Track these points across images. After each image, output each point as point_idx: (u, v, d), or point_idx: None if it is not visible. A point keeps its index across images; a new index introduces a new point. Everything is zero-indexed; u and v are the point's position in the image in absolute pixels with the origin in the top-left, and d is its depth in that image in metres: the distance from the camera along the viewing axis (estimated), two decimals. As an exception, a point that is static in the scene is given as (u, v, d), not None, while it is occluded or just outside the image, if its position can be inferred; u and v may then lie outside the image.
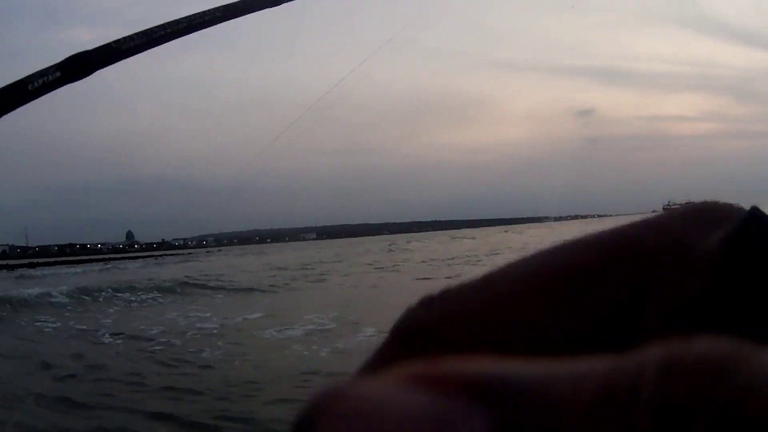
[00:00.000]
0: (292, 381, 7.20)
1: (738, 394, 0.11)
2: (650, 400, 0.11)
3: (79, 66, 0.72)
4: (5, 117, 0.68)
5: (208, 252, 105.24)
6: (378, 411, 0.11)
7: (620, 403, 0.11)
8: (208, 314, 14.12)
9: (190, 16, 0.79)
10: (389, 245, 56.27)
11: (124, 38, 0.74)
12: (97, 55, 0.73)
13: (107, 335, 11.67)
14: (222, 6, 0.83)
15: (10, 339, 11.87)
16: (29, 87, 0.68)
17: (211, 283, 22.47)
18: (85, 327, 13.05)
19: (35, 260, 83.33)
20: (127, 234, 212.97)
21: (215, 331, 11.56)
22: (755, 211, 0.19)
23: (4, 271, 49.45)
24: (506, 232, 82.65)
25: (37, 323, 14.05)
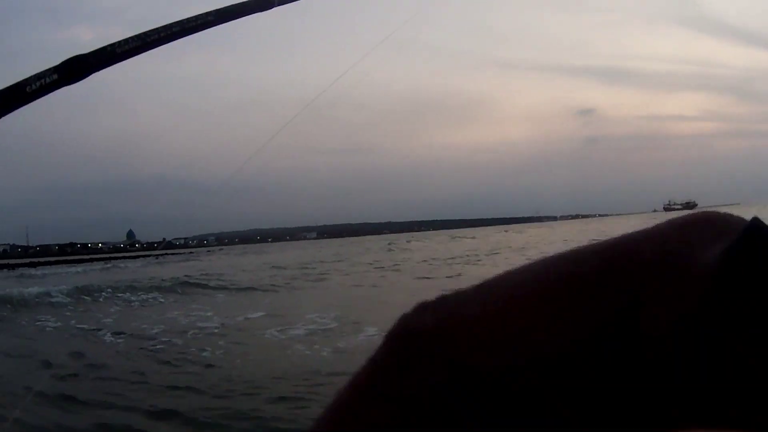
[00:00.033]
0: (294, 380, 7.22)
1: None
2: None
3: (76, 69, 0.74)
4: (4, 119, 0.70)
5: (209, 251, 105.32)
6: None
7: None
8: (209, 313, 14.14)
9: (183, 20, 0.82)
10: (389, 244, 56.30)
11: (119, 42, 0.77)
12: (93, 58, 0.75)
13: (108, 334, 11.69)
14: (214, 10, 0.86)
15: (11, 338, 11.89)
16: (27, 89, 0.70)
17: (212, 283, 22.48)
18: (86, 326, 13.07)
19: (36, 260, 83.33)
20: (127, 233, 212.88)
21: (216, 331, 11.57)
22: (756, 222, 0.19)
23: (5, 270, 49.46)
24: (506, 231, 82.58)
25: (38, 322, 14.07)
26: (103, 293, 19.81)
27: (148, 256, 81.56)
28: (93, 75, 0.80)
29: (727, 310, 0.17)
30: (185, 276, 24.79)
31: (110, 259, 73.19)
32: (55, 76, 0.73)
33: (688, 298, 0.18)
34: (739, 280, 0.17)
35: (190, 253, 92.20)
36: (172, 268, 35.58)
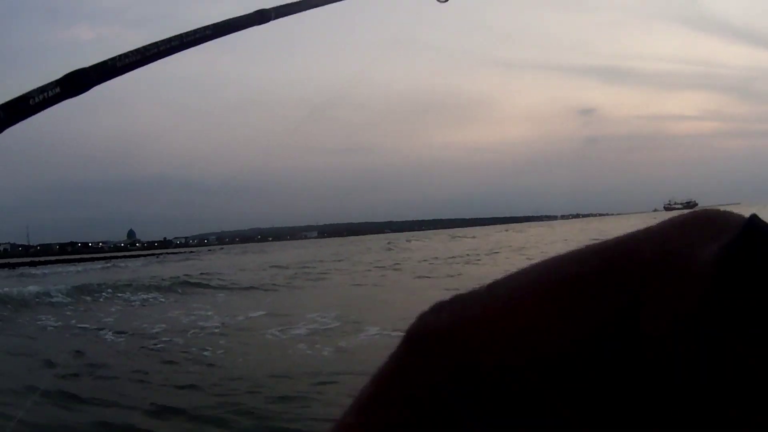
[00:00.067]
0: (296, 379, 7.25)
1: None
2: None
3: (78, 82, 0.77)
4: (6, 131, 0.73)
5: (209, 250, 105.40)
6: None
7: None
8: (209, 313, 14.16)
9: (182, 34, 0.84)
10: (388, 243, 56.45)
11: (120, 56, 0.79)
12: (94, 71, 0.77)
13: (109, 334, 11.71)
14: (212, 24, 0.88)
15: (12, 337, 11.92)
16: (30, 102, 0.73)
17: (213, 282, 22.51)
18: (87, 325, 13.10)
19: (36, 259, 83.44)
20: (128, 233, 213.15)
21: (217, 330, 11.59)
22: (754, 219, 0.19)
23: (6, 269, 49.54)
24: (507, 231, 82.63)
25: (38, 322, 14.10)
26: (104, 293, 19.84)
27: (149, 255, 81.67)
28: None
29: (726, 310, 0.17)
30: (186, 275, 24.82)
31: (111, 258, 73.27)
32: (57, 89, 0.76)
33: (687, 298, 0.18)
34: (738, 279, 0.18)
35: (191, 252, 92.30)
36: (173, 268, 35.62)
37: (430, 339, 0.21)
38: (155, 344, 10.28)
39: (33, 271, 44.65)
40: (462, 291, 0.22)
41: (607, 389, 0.18)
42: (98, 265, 52.83)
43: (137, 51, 0.80)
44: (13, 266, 55.82)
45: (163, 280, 22.42)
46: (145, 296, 19.00)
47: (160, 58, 0.80)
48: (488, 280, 0.24)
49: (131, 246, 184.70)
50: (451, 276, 20.24)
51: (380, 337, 9.68)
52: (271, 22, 0.95)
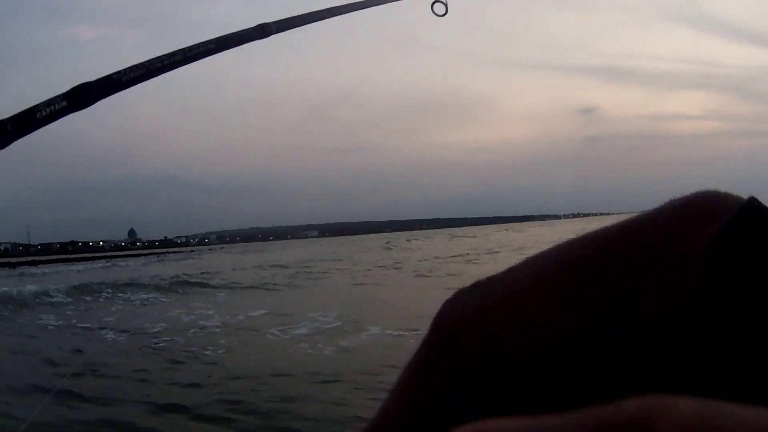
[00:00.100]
0: (297, 378, 7.27)
1: None
2: None
3: (83, 96, 0.78)
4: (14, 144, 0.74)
5: (210, 249, 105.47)
6: None
7: None
8: (210, 312, 14.19)
9: (185, 49, 0.85)
10: (386, 243, 56.69)
11: (124, 70, 0.81)
12: (99, 86, 0.79)
13: (110, 333, 11.74)
14: (215, 39, 0.90)
15: (13, 336, 11.95)
16: (38, 115, 0.74)
17: (213, 281, 22.53)
18: (88, 325, 13.12)
19: (37, 258, 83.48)
20: (129, 232, 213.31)
21: (218, 330, 11.61)
22: (752, 201, 0.20)
23: (6, 269, 49.55)
24: (507, 230, 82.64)
25: (39, 321, 14.12)
26: (104, 292, 19.87)
27: (150, 254, 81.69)
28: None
29: (724, 292, 0.17)
30: (187, 275, 24.84)
31: (111, 257, 73.33)
32: (64, 103, 0.77)
33: (685, 281, 0.18)
34: (735, 260, 0.18)
35: (191, 251, 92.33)
36: (174, 267, 35.64)
37: (456, 326, 0.21)
38: (156, 343, 10.30)
39: (33, 270, 44.65)
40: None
41: (610, 375, 0.18)
42: (98, 264, 52.84)
43: (141, 65, 0.81)
44: (13, 265, 55.82)
45: (162, 279, 22.44)
46: (145, 295, 19.02)
47: (164, 72, 0.82)
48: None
49: (132, 245, 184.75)
50: (452, 275, 20.27)
51: (382, 336, 9.70)
52: (272, 36, 0.97)
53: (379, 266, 27.63)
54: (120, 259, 65.38)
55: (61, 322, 13.87)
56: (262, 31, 0.97)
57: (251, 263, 34.73)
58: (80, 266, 48.34)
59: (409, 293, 16.08)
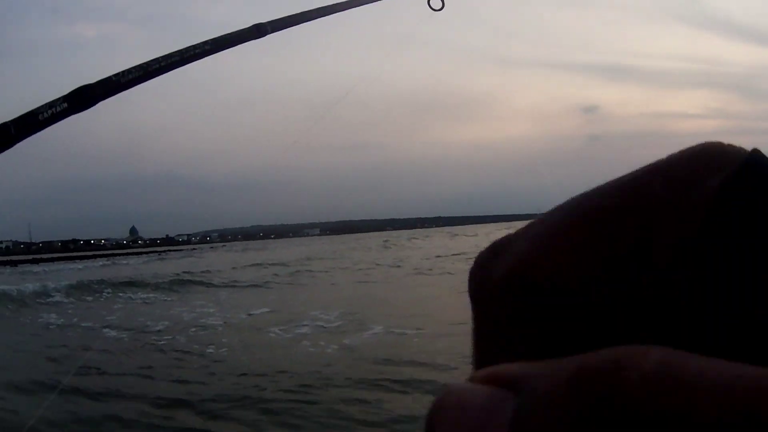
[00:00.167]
0: (300, 375, 7.30)
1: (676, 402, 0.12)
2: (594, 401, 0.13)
3: (84, 98, 0.80)
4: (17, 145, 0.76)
5: (212, 248, 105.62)
6: (458, 405, 0.15)
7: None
8: (212, 310, 14.23)
9: (182, 50, 0.87)
10: (384, 242, 57.19)
11: (123, 72, 0.82)
12: (100, 87, 0.81)
13: (112, 331, 11.78)
14: (211, 39, 0.91)
15: (15, 335, 12.00)
16: (39, 117, 0.76)
17: (215, 280, 22.59)
18: (89, 323, 13.17)
19: (38, 256, 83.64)
20: (130, 230, 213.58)
21: (220, 328, 11.65)
22: (756, 153, 0.20)
23: (8, 267, 49.65)
24: (509, 229, 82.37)
25: (40, 320, 14.17)
26: (105, 291, 19.93)
27: (151, 252, 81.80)
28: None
29: (724, 241, 0.18)
30: (188, 273, 24.91)
31: (112, 255, 73.45)
32: (65, 105, 0.79)
33: (691, 231, 0.19)
34: (736, 211, 0.18)
35: (193, 249, 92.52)
36: (175, 265, 35.70)
37: (487, 290, 0.22)
38: (159, 341, 10.35)
39: (34, 268, 44.73)
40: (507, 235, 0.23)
41: (622, 323, 0.19)
42: (99, 262, 52.96)
43: (140, 67, 0.83)
44: (14, 263, 55.95)
45: (162, 279, 22.47)
46: (146, 294, 19.07)
47: (163, 73, 0.83)
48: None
49: (133, 243, 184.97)
50: (452, 273, 20.30)
51: (384, 335, 9.72)
52: (268, 36, 0.99)
53: (380, 264, 27.68)
54: (121, 257, 65.48)
55: (62, 320, 13.92)
56: (258, 31, 0.98)
57: (253, 261, 34.79)
58: (81, 264, 48.43)
59: (410, 292, 16.12)
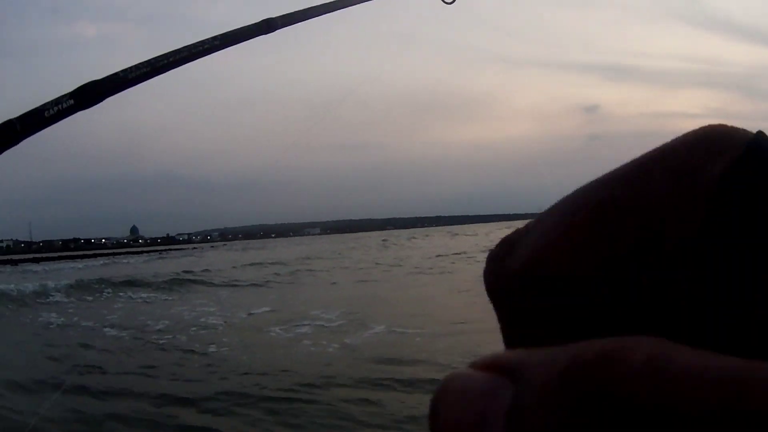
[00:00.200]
0: (301, 374, 7.29)
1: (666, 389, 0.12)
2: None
3: (91, 94, 0.78)
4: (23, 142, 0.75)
5: (212, 247, 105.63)
6: (460, 390, 0.16)
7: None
8: (212, 309, 14.21)
9: (189, 46, 0.85)
10: (383, 241, 57.61)
11: (130, 68, 0.80)
12: (106, 83, 0.79)
13: (113, 330, 11.78)
14: (220, 35, 0.89)
15: (16, 334, 11.99)
16: (45, 114, 0.74)
17: (215, 279, 22.57)
18: (90, 322, 13.15)
19: (39, 255, 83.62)
20: (131, 229, 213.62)
21: (220, 327, 11.64)
22: (760, 135, 0.20)
23: (8, 266, 49.63)
24: (508, 228, 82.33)
25: (40, 319, 14.16)
26: (106, 290, 19.92)
27: (151, 251, 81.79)
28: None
29: (728, 228, 0.18)
30: (188, 272, 24.89)
31: (113, 254, 73.43)
32: (71, 102, 0.77)
33: (696, 219, 0.19)
34: (740, 196, 0.18)
35: (194, 248, 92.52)
36: (175, 264, 35.68)
37: (501, 287, 0.22)
38: (159, 340, 10.34)
39: (35, 267, 44.73)
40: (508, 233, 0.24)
41: (636, 307, 0.19)
42: (100, 261, 52.95)
43: (147, 63, 0.81)
44: (15, 262, 55.94)
45: (163, 278, 22.45)
46: (147, 293, 19.06)
47: (170, 69, 0.82)
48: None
49: (134, 242, 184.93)
50: (452, 273, 20.31)
51: (386, 334, 9.71)
52: (278, 31, 0.97)
53: (381, 263, 27.67)
54: (122, 256, 65.46)
55: (62, 320, 13.91)
56: (267, 26, 0.96)
57: (253, 260, 34.77)
58: (81, 263, 48.42)
59: (411, 291, 16.10)
